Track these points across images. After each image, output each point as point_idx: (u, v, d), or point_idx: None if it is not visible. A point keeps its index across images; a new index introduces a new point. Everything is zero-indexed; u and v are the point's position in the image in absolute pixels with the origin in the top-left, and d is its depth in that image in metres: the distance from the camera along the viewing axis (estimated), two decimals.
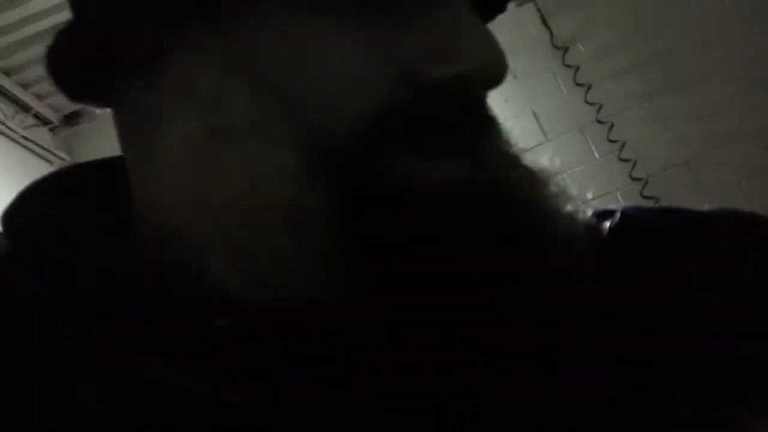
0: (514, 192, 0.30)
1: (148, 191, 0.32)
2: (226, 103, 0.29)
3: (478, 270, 0.27)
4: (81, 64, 0.31)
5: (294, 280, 0.28)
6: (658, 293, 0.34)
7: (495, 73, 0.31)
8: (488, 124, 0.31)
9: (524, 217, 0.29)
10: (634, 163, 2.30)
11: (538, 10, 2.39)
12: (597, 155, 2.34)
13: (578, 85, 2.34)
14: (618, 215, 0.38)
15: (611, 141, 2.32)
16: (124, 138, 0.33)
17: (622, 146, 2.31)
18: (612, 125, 2.32)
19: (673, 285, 0.34)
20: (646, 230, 0.37)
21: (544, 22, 2.38)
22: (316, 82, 0.28)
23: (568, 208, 0.32)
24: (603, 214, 0.38)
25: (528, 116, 2.35)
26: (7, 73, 2.21)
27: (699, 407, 0.31)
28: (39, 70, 2.17)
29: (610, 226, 0.37)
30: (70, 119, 2.50)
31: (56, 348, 0.26)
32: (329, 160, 0.27)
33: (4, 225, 0.31)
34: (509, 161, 0.31)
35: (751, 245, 0.37)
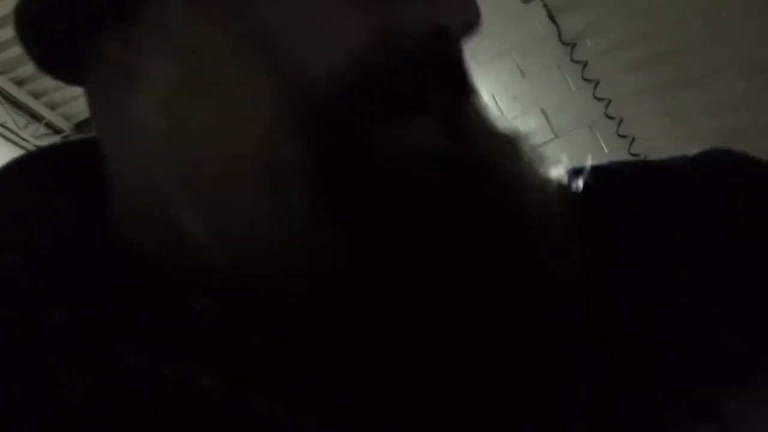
0: (493, 160, 0.29)
1: (122, 156, 0.31)
2: (206, 55, 0.28)
3: (457, 246, 0.27)
4: (49, 24, 0.30)
5: (266, 241, 0.27)
6: (637, 268, 0.33)
7: (471, 22, 0.31)
8: (466, 86, 0.31)
9: (503, 186, 0.29)
10: (645, 159, 2.28)
11: (545, 6, 2.38)
12: (606, 150, 2.33)
13: (586, 81, 2.34)
14: (589, 170, 0.37)
15: (621, 136, 2.31)
16: (97, 106, 0.32)
17: (632, 141, 2.30)
18: (621, 120, 2.31)
19: (652, 259, 0.34)
20: (624, 188, 0.37)
21: (552, 18, 2.37)
22: (301, 37, 0.28)
23: (546, 173, 0.31)
24: (577, 172, 0.37)
25: (537, 113, 2.34)
26: (19, 83, 2.23)
27: (678, 394, 0.30)
28: (50, 80, 2.17)
29: (584, 185, 0.36)
30: (82, 128, 2.51)
31: (36, 334, 0.26)
32: (309, 118, 0.27)
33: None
34: (487, 126, 0.31)
35: (734, 200, 0.35)
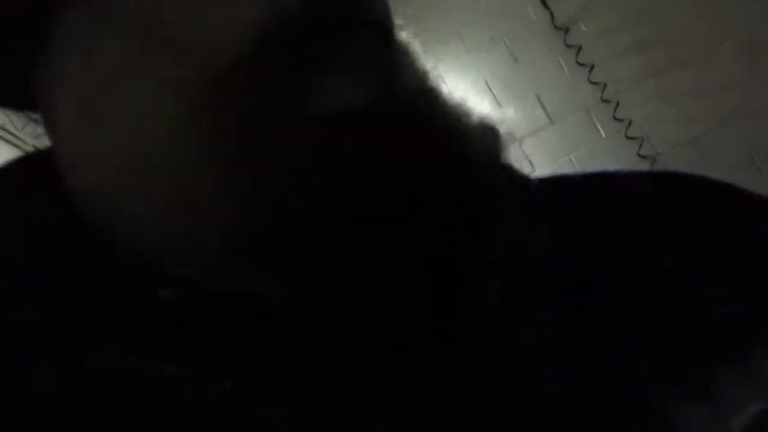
0: (427, 116, 0.29)
1: (64, 165, 0.31)
2: (100, 53, 0.28)
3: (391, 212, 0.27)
4: None
5: (187, 242, 0.27)
6: (610, 247, 0.33)
7: None
8: (392, 43, 0.30)
9: (440, 145, 0.28)
10: (642, 142, 2.27)
11: None
12: (603, 135, 2.32)
13: (581, 65, 2.32)
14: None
15: (617, 120, 2.30)
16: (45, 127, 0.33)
17: (629, 125, 2.29)
18: (618, 104, 2.30)
19: (626, 242, 0.34)
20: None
21: (544, 3, 2.35)
22: (196, 18, 0.27)
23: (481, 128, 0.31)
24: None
25: (531, 99, 2.33)
26: None
27: (666, 375, 0.30)
28: None
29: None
30: None
31: (6, 330, 0.26)
32: (214, 96, 0.26)
33: None
34: (420, 82, 0.30)
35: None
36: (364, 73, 0.28)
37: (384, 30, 0.30)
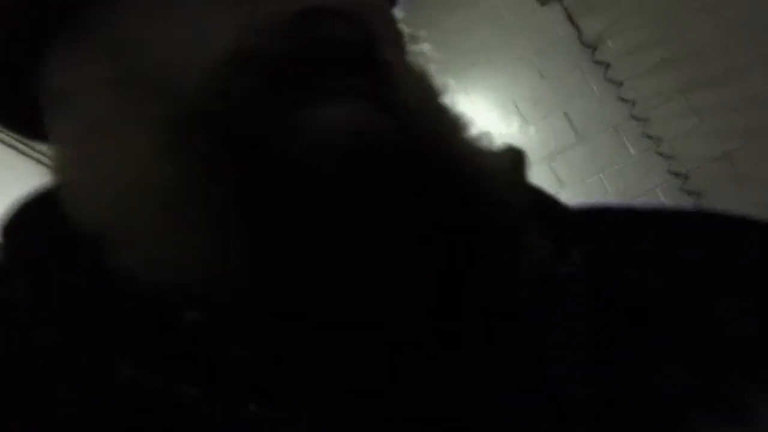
0: (430, 144, 0.28)
1: (69, 202, 0.32)
2: (91, 92, 0.29)
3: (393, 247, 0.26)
4: None
5: (190, 268, 0.27)
6: (637, 260, 0.33)
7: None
8: (384, 67, 0.29)
9: (446, 176, 0.28)
10: (672, 158, 2.25)
11: (565, 8, 2.36)
12: (633, 152, 2.30)
13: (610, 82, 2.30)
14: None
15: (647, 137, 2.27)
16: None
17: (659, 142, 2.26)
18: (647, 121, 2.27)
19: (650, 251, 0.33)
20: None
21: (571, 20, 2.35)
22: (166, 49, 0.28)
23: (491, 151, 0.30)
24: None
25: (559, 117, 2.32)
26: None
27: (702, 393, 0.29)
28: None
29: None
30: None
31: (32, 351, 0.27)
32: (192, 126, 0.26)
33: (3, 236, 0.33)
34: (419, 104, 0.29)
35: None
36: (355, 100, 0.27)
37: (376, 51, 0.29)
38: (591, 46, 2.33)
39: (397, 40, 0.34)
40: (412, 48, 0.34)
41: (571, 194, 2.18)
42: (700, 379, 0.29)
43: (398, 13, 0.35)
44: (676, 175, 2.25)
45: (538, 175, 2.08)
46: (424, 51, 0.33)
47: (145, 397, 0.25)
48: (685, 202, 2.18)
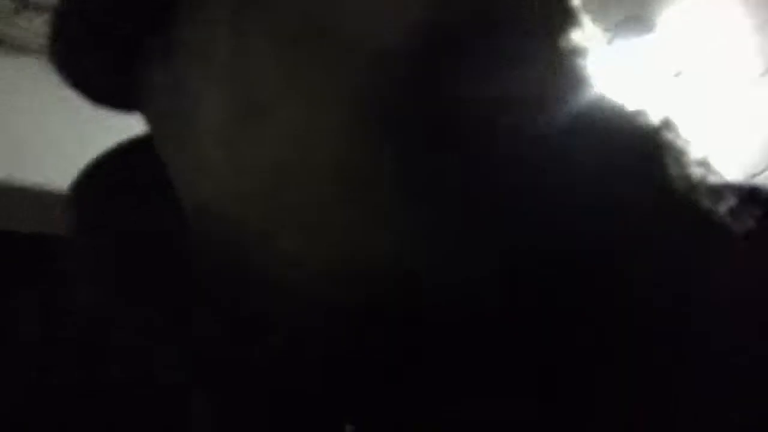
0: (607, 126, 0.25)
1: (192, 192, 0.29)
2: (251, 68, 0.25)
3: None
4: (90, 51, 0.29)
5: (365, 254, 0.25)
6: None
7: None
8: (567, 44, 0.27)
9: None
10: None
11: None
12: None
13: None
14: None
15: None
16: (156, 135, 0.30)
17: None
18: None
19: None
20: None
21: None
22: (357, 13, 0.25)
23: None
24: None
25: None
26: None
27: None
28: None
29: None
30: None
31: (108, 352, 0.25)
32: (386, 103, 0.24)
33: (75, 196, 0.31)
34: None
35: None
36: (538, 77, 0.25)
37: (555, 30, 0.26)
38: None
39: None
40: None
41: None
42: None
43: None
44: None
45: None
46: None
47: (223, 426, 0.24)
48: None
